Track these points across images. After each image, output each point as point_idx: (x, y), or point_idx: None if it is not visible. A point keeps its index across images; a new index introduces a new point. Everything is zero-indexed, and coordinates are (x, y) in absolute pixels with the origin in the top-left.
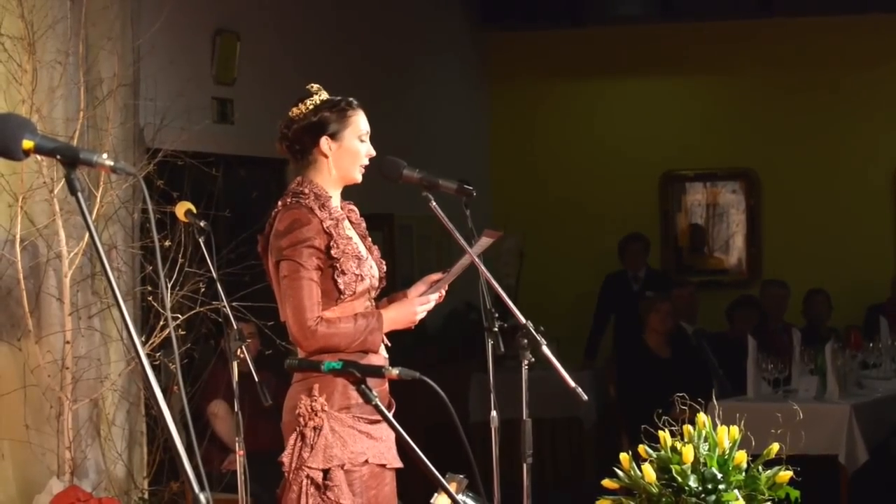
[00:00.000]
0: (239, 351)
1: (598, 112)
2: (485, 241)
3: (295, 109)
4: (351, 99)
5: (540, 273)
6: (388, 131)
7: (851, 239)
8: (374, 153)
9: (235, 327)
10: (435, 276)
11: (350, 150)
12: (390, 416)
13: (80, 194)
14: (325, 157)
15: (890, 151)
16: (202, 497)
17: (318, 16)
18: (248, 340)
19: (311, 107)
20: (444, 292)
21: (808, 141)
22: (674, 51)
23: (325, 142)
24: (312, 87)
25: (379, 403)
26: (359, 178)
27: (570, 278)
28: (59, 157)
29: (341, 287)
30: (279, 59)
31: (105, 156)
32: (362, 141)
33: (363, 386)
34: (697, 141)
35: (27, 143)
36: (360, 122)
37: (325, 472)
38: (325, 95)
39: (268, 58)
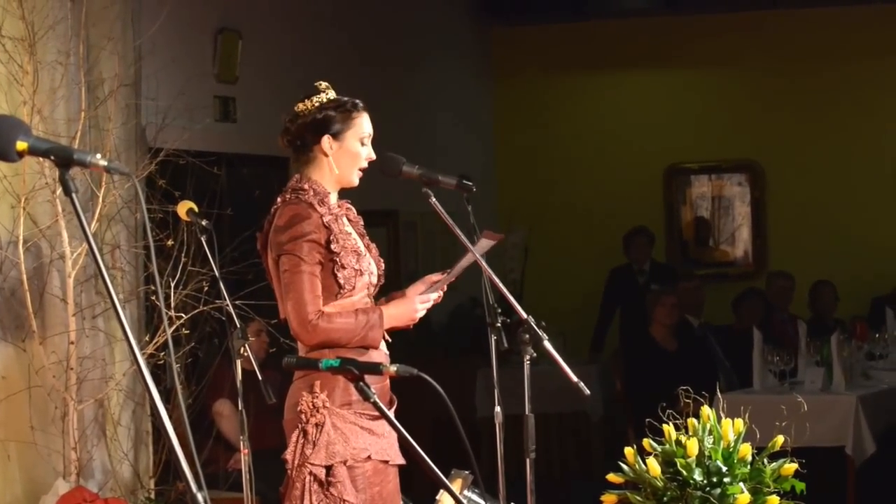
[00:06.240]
0: (242, 349)
1: (602, 106)
2: (485, 243)
3: (301, 105)
4: (357, 101)
5: (545, 268)
6: (391, 128)
7: (857, 230)
8: (373, 157)
9: (238, 326)
10: (435, 277)
11: (350, 152)
12: (390, 413)
13: (74, 195)
14: (326, 155)
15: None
16: (199, 497)
17: (320, 13)
18: (252, 339)
19: (316, 104)
20: (443, 291)
21: (813, 133)
22: (678, 43)
23: (326, 140)
24: (321, 84)
25: (378, 401)
26: (355, 182)
27: (575, 272)
28: (52, 157)
29: (341, 281)
30: (281, 57)
31: (98, 156)
32: (363, 144)
33: (361, 383)
34: (702, 134)
35: (21, 145)
36: (363, 125)
37: (328, 468)
38: (332, 94)
39: (270, 56)
